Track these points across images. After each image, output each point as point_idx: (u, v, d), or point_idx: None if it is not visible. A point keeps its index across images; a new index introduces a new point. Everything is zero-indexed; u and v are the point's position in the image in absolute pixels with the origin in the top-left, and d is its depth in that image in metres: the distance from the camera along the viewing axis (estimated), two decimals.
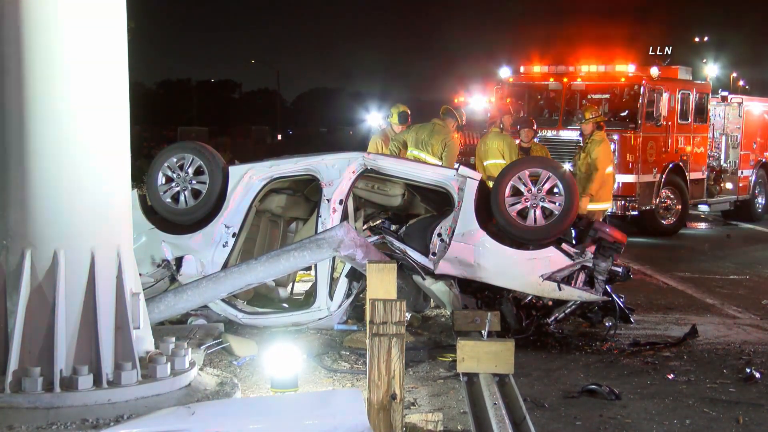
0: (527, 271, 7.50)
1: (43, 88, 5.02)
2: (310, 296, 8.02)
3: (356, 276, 7.60)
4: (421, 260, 7.66)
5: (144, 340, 5.38)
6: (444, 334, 7.87)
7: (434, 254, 7.66)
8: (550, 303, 7.94)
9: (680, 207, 17.06)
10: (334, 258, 7.52)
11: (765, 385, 6.74)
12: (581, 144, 12.63)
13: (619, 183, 15.68)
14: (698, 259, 14.00)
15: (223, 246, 7.81)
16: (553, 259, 7.49)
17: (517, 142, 12.67)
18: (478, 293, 7.88)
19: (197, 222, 7.97)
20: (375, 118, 16.87)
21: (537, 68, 17.39)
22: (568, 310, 7.92)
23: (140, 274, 5.79)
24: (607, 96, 17.00)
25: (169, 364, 5.22)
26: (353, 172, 7.88)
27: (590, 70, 16.84)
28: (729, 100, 19.49)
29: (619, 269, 7.83)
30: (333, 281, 7.70)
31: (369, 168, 7.92)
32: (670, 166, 16.70)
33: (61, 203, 5.07)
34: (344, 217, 7.76)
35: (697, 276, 12.15)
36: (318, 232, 7.52)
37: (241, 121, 69.03)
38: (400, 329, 4.90)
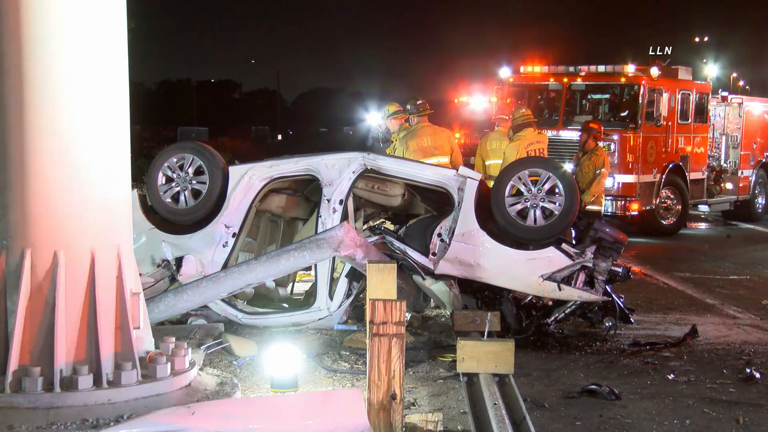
0: (527, 272, 7.50)
1: (43, 87, 5.02)
2: (310, 296, 8.02)
3: (356, 276, 7.60)
4: (421, 260, 7.65)
5: (144, 340, 5.38)
6: (444, 334, 7.87)
7: (434, 254, 7.65)
8: (550, 303, 7.94)
9: (680, 207, 17.06)
10: (334, 258, 7.52)
11: (765, 385, 6.74)
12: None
13: (619, 183, 15.72)
14: (698, 259, 13.99)
15: (223, 246, 7.81)
16: (553, 259, 7.48)
17: None
18: (478, 293, 7.87)
19: (197, 222, 7.97)
20: (375, 118, 16.81)
21: (537, 68, 17.39)
22: (568, 310, 7.91)
23: (140, 274, 5.79)
24: (607, 96, 17.02)
25: (169, 364, 5.22)
26: (353, 172, 7.87)
27: (590, 70, 16.85)
28: (729, 100, 19.49)
29: (619, 269, 7.83)
30: (333, 281, 7.70)
31: (369, 168, 7.92)
32: (670, 166, 16.70)
33: (61, 203, 5.07)
34: (344, 217, 7.76)
35: (697, 276, 12.15)
36: (318, 232, 7.52)
37: (241, 121, 69.09)
38: (400, 329, 4.90)
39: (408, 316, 7.93)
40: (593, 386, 6.42)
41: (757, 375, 6.86)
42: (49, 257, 5.00)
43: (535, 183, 7.67)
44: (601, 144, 13.75)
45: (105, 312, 5.08)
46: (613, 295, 8.03)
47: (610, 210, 15.49)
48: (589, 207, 12.49)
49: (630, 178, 15.84)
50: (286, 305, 8.33)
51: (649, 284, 11.43)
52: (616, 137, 15.63)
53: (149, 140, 45.69)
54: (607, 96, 17.03)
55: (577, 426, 5.76)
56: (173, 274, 7.78)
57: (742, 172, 19.45)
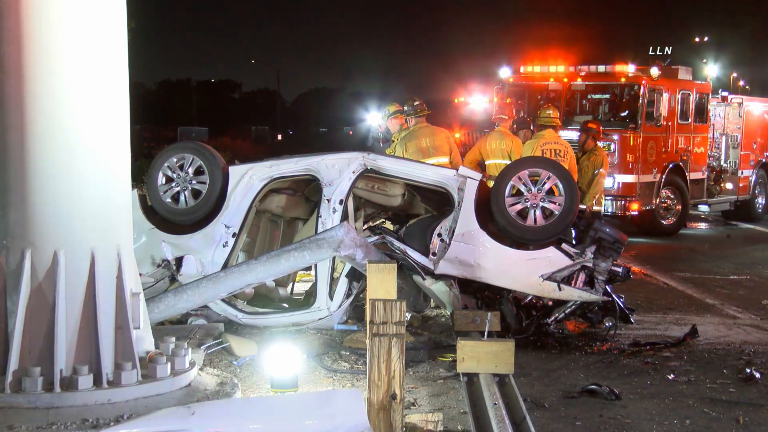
0: (527, 272, 7.50)
1: (43, 88, 5.02)
2: (310, 296, 8.02)
3: (356, 276, 7.60)
4: (421, 260, 7.65)
5: (144, 340, 5.38)
6: (444, 334, 7.87)
7: (434, 254, 7.65)
8: (550, 303, 7.94)
9: (680, 207, 17.07)
10: (334, 258, 7.52)
11: (765, 385, 6.74)
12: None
13: (619, 183, 15.72)
14: (698, 259, 14.00)
15: (223, 246, 7.81)
16: (553, 259, 7.48)
17: None
18: (478, 293, 7.87)
19: (197, 222, 7.97)
20: (375, 118, 16.85)
21: (537, 68, 17.39)
22: (568, 310, 7.91)
23: (140, 274, 5.79)
24: (607, 96, 17.01)
25: (169, 364, 5.22)
26: (353, 172, 7.87)
27: (590, 70, 16.84)
28: (729, 100, 19.49)
29: (619, 269, 7.82)
30: (333, 281, 7.70)
31: (369, 168, 7.92)
32: (670, 166, 16.70)
33: (61, 203, 5.06)
34: (344, 217, 7.76)
35: (697, 276, 12.15)
36: (318, 232, 7.52)
37: (241, 121, 69.07)
38: (400, 329, 4.90)
39: (408, 316, 7.92)
40: (593, 386, 6.42)
41: (757, 375, 6.86)
42: (49, 257, 4.99)
43: (535, 183, 7.67)
44: (600, 144, 13.75)
45: (105, 312, 5.08)
46: (613, 295, 8.03)
47: (610, 210, 15.49)
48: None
49: (630, 178, 15.83)
50: (286, 305, 8.32)
51: (649, 284, 11.43)
52: (616, 137, 15.63)
53: (149, 140, 45.70)
54: (607, 96, 17.02)
55: (577, 426, 5.76)
56: (173, 274, 7.78)
57: (742, 172, 19.45)
